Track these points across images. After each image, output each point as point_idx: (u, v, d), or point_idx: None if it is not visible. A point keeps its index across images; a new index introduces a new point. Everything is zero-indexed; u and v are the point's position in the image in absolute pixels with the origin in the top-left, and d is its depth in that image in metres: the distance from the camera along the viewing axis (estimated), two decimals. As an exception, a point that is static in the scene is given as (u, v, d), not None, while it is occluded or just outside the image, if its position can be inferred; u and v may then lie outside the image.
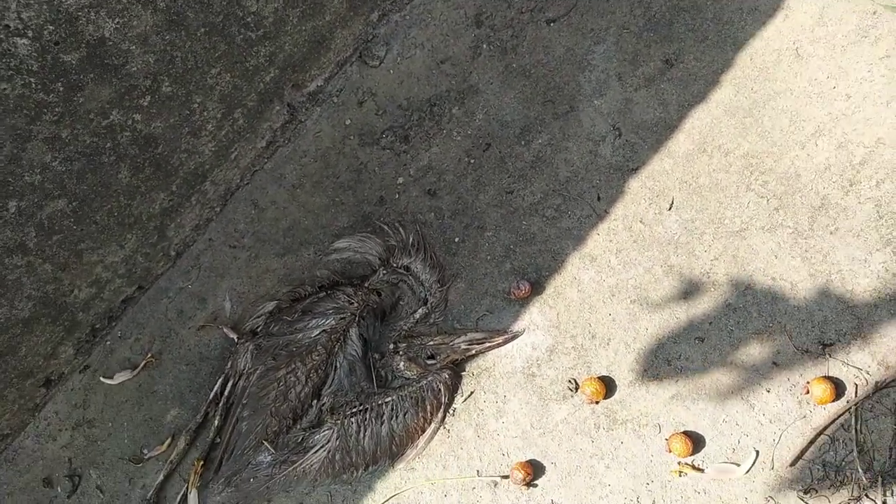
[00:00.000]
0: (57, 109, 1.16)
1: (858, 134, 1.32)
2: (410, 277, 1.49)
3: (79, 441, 1.60)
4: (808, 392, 1.21)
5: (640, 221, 1.39)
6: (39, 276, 1.38)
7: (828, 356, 1.23)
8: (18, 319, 1.41)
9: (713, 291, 1.32)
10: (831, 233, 1.29)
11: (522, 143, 1.51)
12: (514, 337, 1.40)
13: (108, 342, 1.65)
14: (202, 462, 1.49)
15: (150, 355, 1.60)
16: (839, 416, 1.19)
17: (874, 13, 1.38)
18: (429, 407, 1.39)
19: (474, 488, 1.35)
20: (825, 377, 1.20)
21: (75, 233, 1.37)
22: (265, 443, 1.45)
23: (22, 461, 1.62)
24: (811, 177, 1.33)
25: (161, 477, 1.50)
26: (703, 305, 1.32)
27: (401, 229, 1.53)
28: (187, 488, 1.48)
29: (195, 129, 1.43)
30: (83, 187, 1.31)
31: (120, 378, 1.60)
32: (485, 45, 1.59)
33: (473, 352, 1.41)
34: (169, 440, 1.53)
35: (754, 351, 1.27)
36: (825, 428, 1.19)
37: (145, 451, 1.55)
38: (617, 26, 1.52)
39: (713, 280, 1.33)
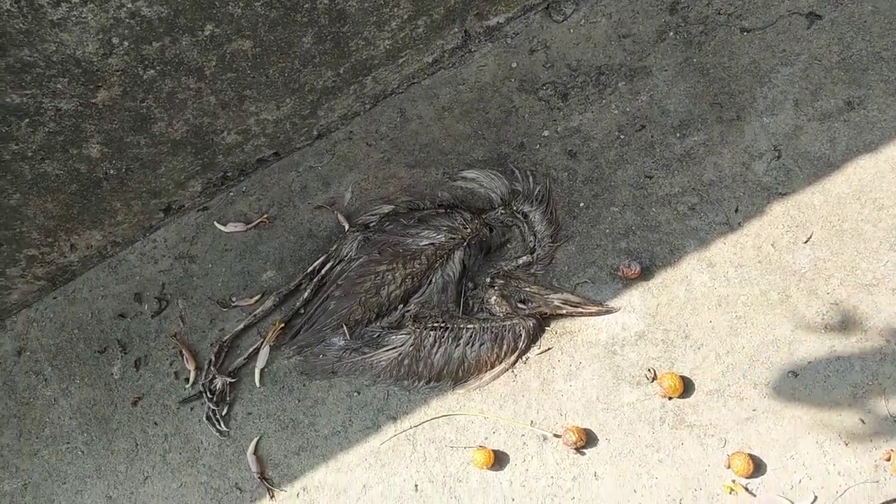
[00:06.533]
0: (282, -47, 1.25)
1: None
2: (525, 225, 1.52)
3: (177, 271, 1.71)
4: (889, 459, 1.18)
5: (772, 245, 1.38)
6: (202, 106, 1.48)
7: (921, 432, 1.19)
8: (170, 139, 1.52)
9: (822, 334, 1.30)
10: (965, 317, 1.25)
11: (678, 135, 1.51)
12: (608, 312, 1.42)
13: (232, 193, 1.75)
14: (283, 325, 1.57)
15: (265, 216, 1.69)
16: (913, 493, 1.16)
17: None
18: (505, 346, 1.43)
19: (523, 436, 1.38)
20: (912, 451, 1.17)
21: (247, 77, 1.46)
22: (344, 326, 1.52)
23: (122, 271, 1.75)
24: (963, 257, 1.28)
25: (241, 326, 1.60)
26: (807, 343, 1.30)
27: (530, 177, 1.56)
28: (262, 343, 1.56)
29: (381, 21, 1.49)
30: (270, 37, 1.40)
31: (232, 228, 1.70)
32: (671, 33, 1.60)
33: (564, 311, 1.43)
34: (258, 296, 1.62)
35: (845, 402, 1.25)
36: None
37: (234, 299, 1.64)
38: (809, 55, 1.50)
39: (826, 323, 1.30)
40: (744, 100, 1.50)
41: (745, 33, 1.55)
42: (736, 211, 1.42)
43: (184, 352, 1.61)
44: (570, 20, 1.68)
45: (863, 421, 1.23)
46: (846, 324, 1.29)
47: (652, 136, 1.53)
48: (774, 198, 1.41)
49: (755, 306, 1.34)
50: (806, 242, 1.36)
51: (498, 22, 1.68)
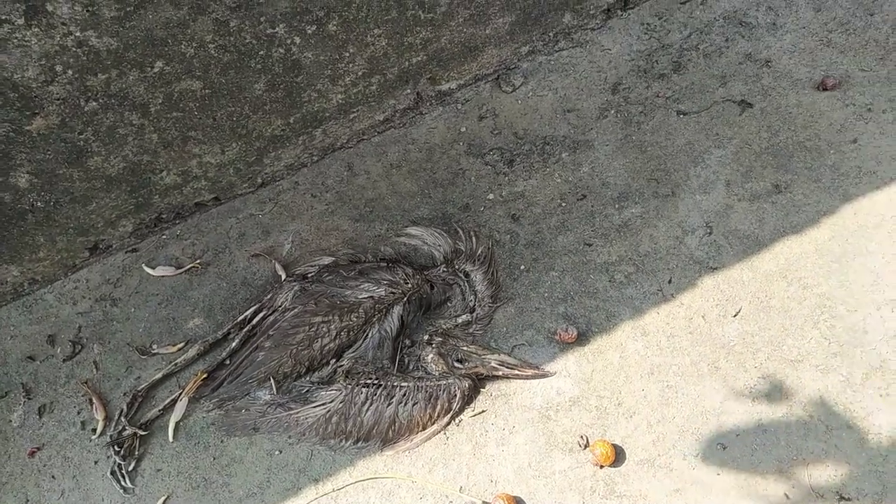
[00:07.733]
0: (240, -1, 1.26)
1: (938, 315, 1.34)
2: (466, 284, 1.52)
3: (96, 314, 1.62)
4: (813, 535, 1.18)
5: (703, 317, 1.41)
6: (143, 143, 1.44)
7: (844, 509, 1.20)
8: (105, 174, 1.47)
9: (750, 407, 1.32)
10: (881, 395, 1.29)
11: (616, 206, 1.56)
12: (544, 375, 1.41)
13: (164, 236, 1.69)
14: (205, 375, 1.49)
15: (198, 262, 1.63)
16: (837, 571, 1.15)
17: (985, 216, 1.42)
18: (439, 406, 1.39)
19: (452, 503, 1.32)
20: (836, 527, 1.17)
21: (193, 118, 1.44)
22: (272, 379, 1.45)
23: (37, 311, 1.64)
24: (878, 338, 1.34)
25: (160, 375, 1.51)
26: (735, 416, 1.31)
27: (474, 238, 1.56)
28: (181, 394, 1.47)
29: (336, 75, 1.51)
30: (221, 80, 1.39)
31: (161, 272, 1.64)
32: (613, 111, 1.67)
33: (500, 373, 1.41)
34: (182, 344, 1.54)
35: (771, 476, 1.25)
36: (819, 577, 1.16)
37: (154, 347, 1.56)
38: (741, 139, 1.59)
39: (754, 396, 1.32)
40: (679, 177, 1.57)
41: (681, 116, 1.64)
42: (669, 282, 1.46)
43: (94, 400, 1.50)
44: (519, 92, 1.74)
45: (787, 496, 1.23)
46: (772, 398, 1.32)
47: (592, 206, 1.57)
48: (706, 271, 1.46)
49: (686, 376, 1.36)
50: (735, 316, 1.40)
51: (450, 87, 1.73)
